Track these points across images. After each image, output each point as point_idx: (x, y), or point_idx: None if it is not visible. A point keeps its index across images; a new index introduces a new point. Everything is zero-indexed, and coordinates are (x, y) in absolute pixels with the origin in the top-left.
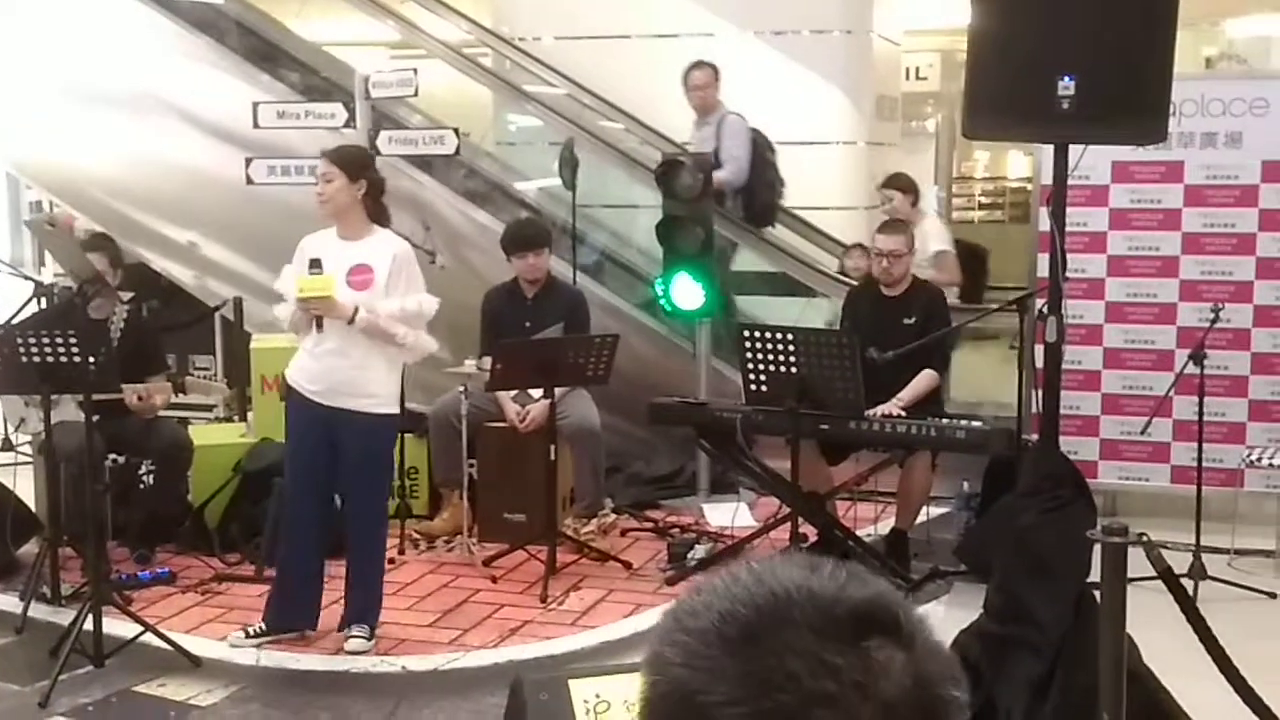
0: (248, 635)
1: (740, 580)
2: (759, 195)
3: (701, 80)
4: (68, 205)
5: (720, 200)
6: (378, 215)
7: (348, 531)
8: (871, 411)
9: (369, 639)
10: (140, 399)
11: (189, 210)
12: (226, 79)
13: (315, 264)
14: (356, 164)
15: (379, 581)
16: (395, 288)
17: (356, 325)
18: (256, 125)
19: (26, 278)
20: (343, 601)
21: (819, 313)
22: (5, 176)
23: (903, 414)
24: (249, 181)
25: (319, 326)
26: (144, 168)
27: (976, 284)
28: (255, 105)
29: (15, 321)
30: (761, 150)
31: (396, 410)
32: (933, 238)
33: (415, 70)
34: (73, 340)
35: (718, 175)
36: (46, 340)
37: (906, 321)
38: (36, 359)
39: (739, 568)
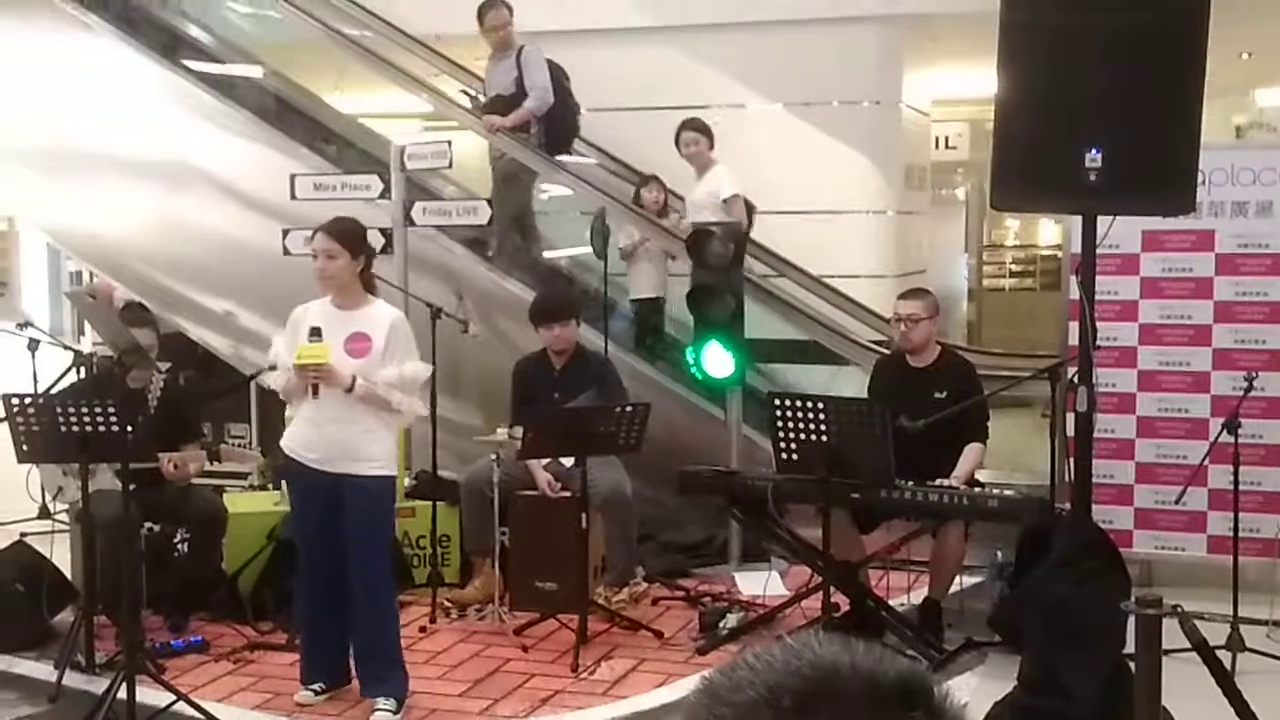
0: (315, 694)
1: (778, 656)
2: (559, 121)
3: (499, 20)
4: (107, 275)
5: (526, 129)
6: (370, 285)
7: (354, 596)
8: (939, 482)
9: (396, 712)
10: (176, 467)
11: (226, 280)
12: (264, 151)
13: (315, 332)
14: (358, 240)
15: (395, 646)
16: (392, 356)
17: (355, 393)
18: (294, 196)
19: (66, 347)
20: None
21: (850, 381)
22: (46, 247)
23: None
24: (285, 252)
25: (315, 393)
26: (182, 238)
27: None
28: (292, 177)
29: (54, 391)
30: (559, 79)
31: (395, 473)
32: (725, 184)
33: (449, 142)
34: (111, 410)
35: (525, 105)
36: (85, 410)
37: (938, 395)
38: (75, 428)
39: (771, 645)
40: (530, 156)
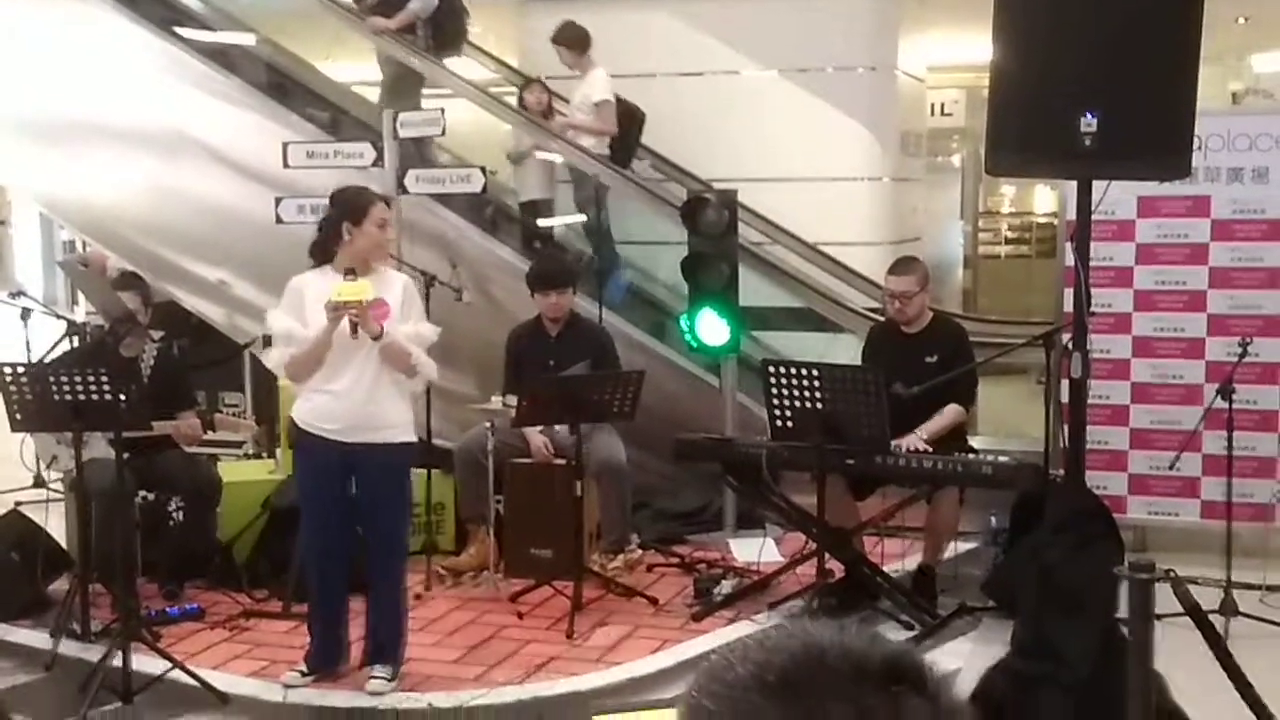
0: (302, 675)
1: (773, 636)
2: (445, 24)
3: None
4: (99, 244)
5: (412, 31)
6: None
7: (370, 566)
8: (895, 444)
9: (391, 679)
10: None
11: (219, 249)
12: (257, 119)
13: (350, 272)
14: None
15: (404, 615)
16: (408, 316)
17: (383, 341)
18: (286, 165)
19: (59, 316)
20: (365, 636)
21: (845, 348)
22: (39, 216)
23: (928, 447)
24: (278, 220)
25: (354, 333)
26: (175, 207)
27: (628, 144)
28: (285, 145)
29: (48, 360)
30: None
31: (415, 439)
32: (596, 88)
33: (442, 110)
34: (104, 378)
35: (409, 7)
36: (78, 378)
37: (929, 360)
38: (68, 397)
39: (768, 628)
40: (415, 59)
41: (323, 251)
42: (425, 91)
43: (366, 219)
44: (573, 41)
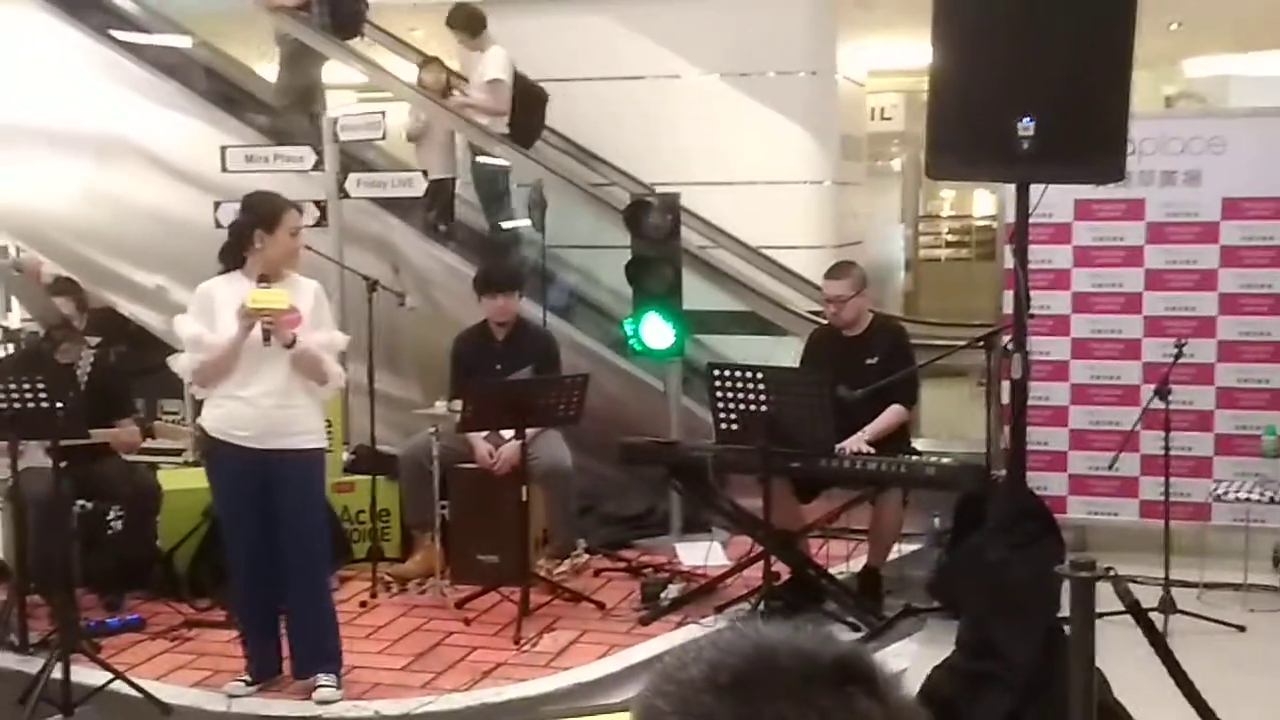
0: (247, 684)
1: (725, 636)
2: (343, 5)
3: None
4: (34, 250)
5: (307, 9)
6: None
7: (291, 573)
8: (839, 446)
9: (337, 687)
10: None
11: (157, 254)
12: (194, 123)
13: (264, 279)
14: None
15: (333, 621)
16: (319, 324)
17: (295, 349)
18: (225, 169)
19: None
20: (290, 646)
21: (788, 351)
22: None
23: (870, 449)
24: (218, 225)
25: (266, 340)
26: (111, 212)
27: (530, 125)
28: (223, 149)
29: None
30: None
31: (326, 444)
32: (491, 66)
33: (383, 113)
34: (40, 386)
35: None
36: (13, 386)
37: (869, 361)
38: (3, 405)
39: (721, 628)
40: (311, 36)
41: (233, 256)
42: (364, 94)
43: (280, 226)
44: (465, 24)
